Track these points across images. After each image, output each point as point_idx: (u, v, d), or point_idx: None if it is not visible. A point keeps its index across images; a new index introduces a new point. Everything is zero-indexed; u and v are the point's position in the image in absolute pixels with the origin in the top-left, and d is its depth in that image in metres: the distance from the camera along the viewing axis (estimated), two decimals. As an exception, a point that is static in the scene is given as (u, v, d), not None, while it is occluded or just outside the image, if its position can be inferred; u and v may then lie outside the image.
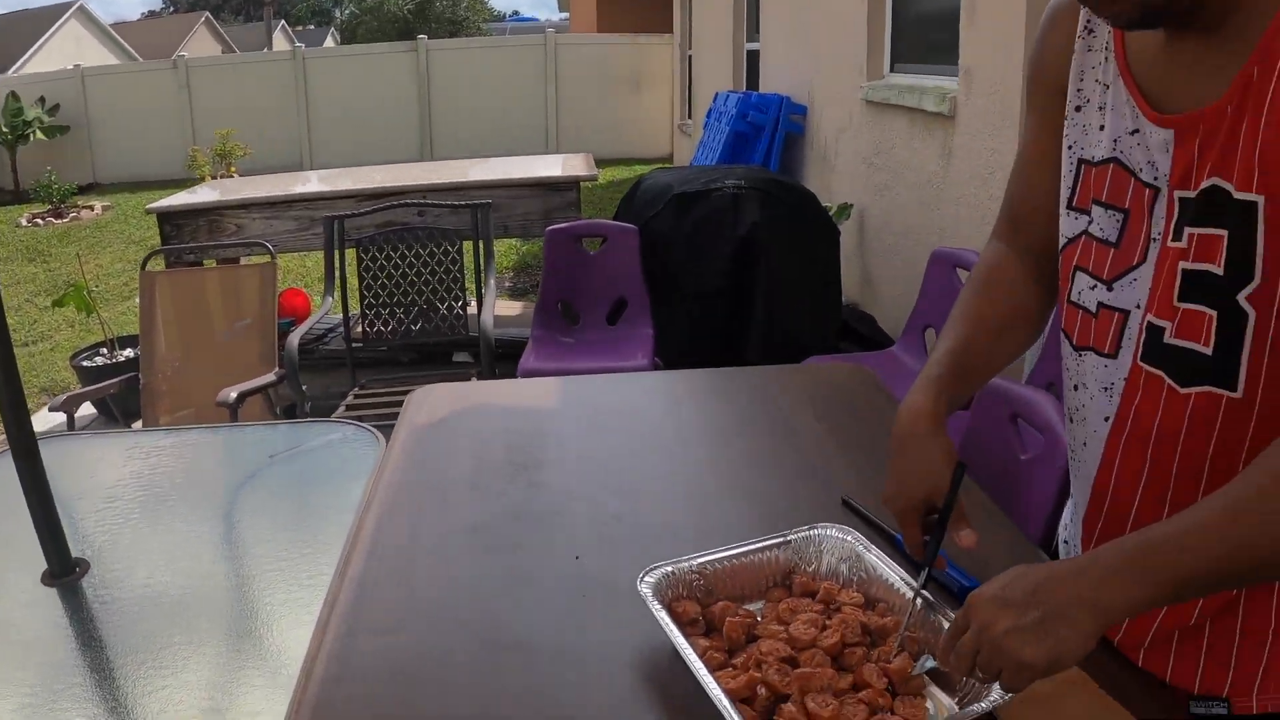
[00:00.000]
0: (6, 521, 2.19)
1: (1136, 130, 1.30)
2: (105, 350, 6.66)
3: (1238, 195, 1.15)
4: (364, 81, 18.81)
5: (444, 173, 5.86)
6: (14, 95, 18.88)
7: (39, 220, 15.56)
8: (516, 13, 60.01)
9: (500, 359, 4.75)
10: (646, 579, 1.47)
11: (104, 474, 2.60)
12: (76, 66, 20.24)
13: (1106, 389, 1.38)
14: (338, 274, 4.75)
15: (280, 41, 42.02)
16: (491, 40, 22.27)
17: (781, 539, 1.61)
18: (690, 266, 4.86)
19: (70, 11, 34.42)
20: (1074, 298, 1.42)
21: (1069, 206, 1.44)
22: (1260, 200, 1.12)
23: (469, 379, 4.65)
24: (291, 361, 4.21)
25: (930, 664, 1.40)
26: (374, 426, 2.62)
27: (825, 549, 1.62)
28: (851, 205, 6.73)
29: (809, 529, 1.63)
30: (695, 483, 2.03)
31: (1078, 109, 1.42)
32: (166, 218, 5.93)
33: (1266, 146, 1.11)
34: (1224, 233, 1.17)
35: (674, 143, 18.46)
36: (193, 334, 4.75)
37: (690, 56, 16.16)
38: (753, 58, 11.28)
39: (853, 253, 6.75)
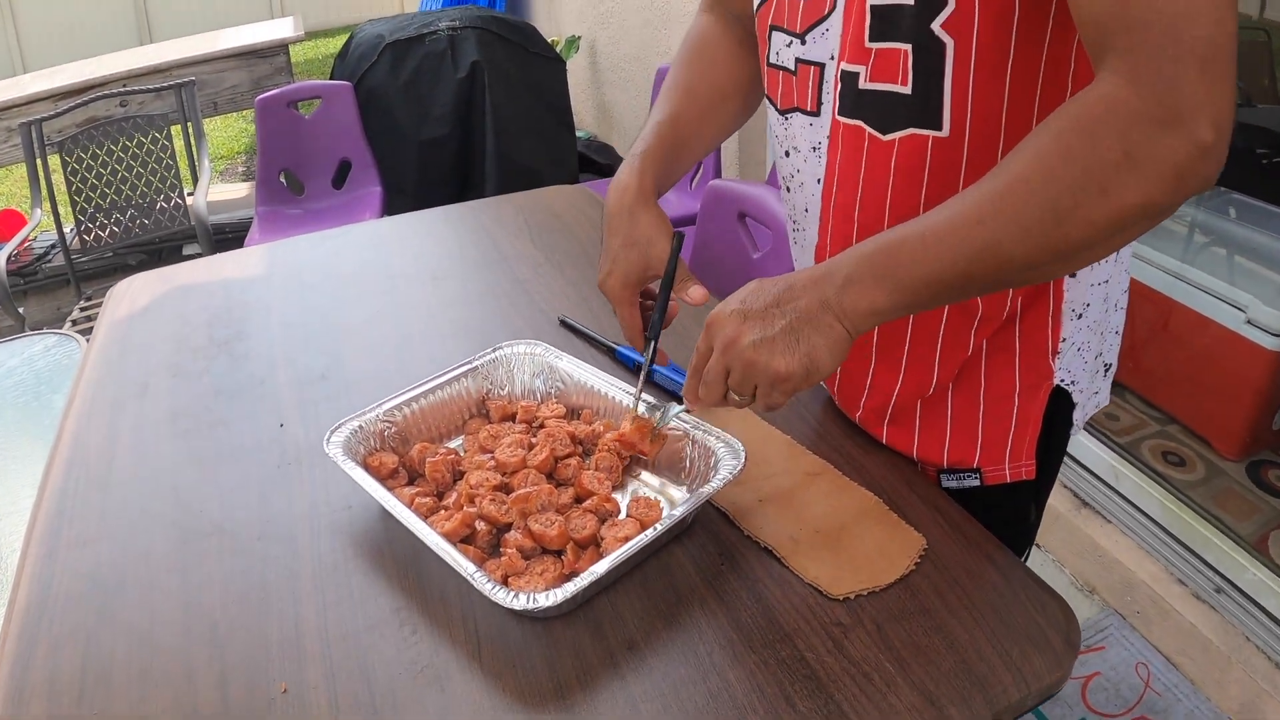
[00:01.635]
0: None
1: None
2: None
3: None
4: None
5: (142, 56, 5.49)
6: None
7: None
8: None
9: (230, 243, 4.54)
10: (334, 439, 1.39)
11: None
12: None
13: (815, 148, 1.33)
14: (43, 184, 4.43)
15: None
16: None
17: (467, 366, 1.55)
18: (413, 115, 4.65)
19: None
20: (773, 59, 1.37)
21: None
22: None
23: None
24: (1, 284, 3.92)
25: (676, 409, 1.35)
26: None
27: (515, 368, 1.56)
28: (579, 37, 6.58)
29: (493, 350, 1.57)
30: (404, 326, 1.93)
31: None
32: None
33: None
34: None
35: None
36: None
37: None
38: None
39: (587, 85, 6.63)
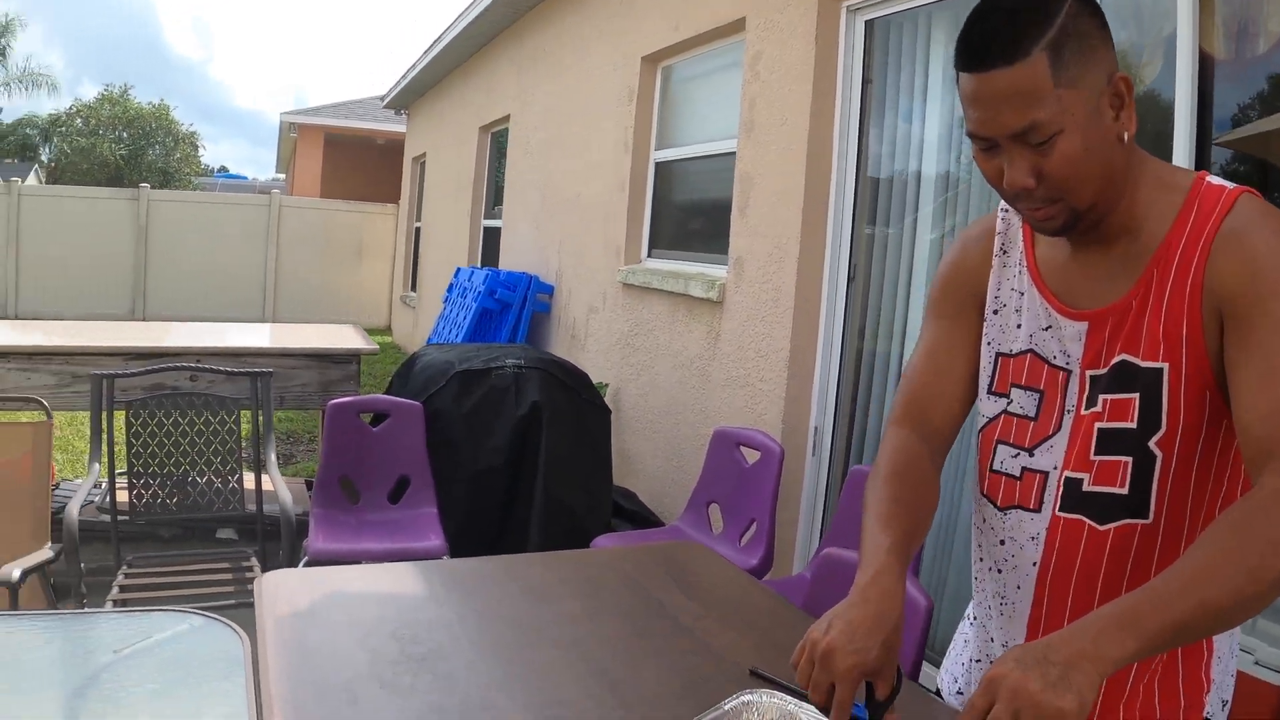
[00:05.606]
0: None
1: (1049, 326, 1.65)
2: None
3: (1144, 364, 1.53)
4: (80, 226, 17.81)
5: (216, 336, 5.66)
6: None
7: None
8: (225, 168, 59.03)
9: (268, 537, 4.58)
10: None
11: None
12: None
13: (1034, 539, 1.66)
14: (105, 439, 4.50)
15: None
16: (215, 195, 21.81)
17: (717, 712, 1.63)
18: (470, 444, 4.83)
19: None
20: (996, 466, 1.72)
21: (989, 391, 1.74)
22: (1165, 366, 1.52)
23: (246, 559, 4.46)
24: (71, 536, 3.90)
25: None
26: (200, 611, 2.46)
27: (759, 714, 1.65)
28: (606, 385, 6.85)
29: (737, 697, 1.65)
30: (605, 666, 2.00)
31: (995, 312, 1.74)
32: None
33: (1166, 326, 1.51)
34: (1135, 395, 1.54)
35: (393, 314, 18.40)
36: None
37: (419, 229, 16.23)
38: (490, 234, 11.44)
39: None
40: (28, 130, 52.23)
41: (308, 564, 4.09)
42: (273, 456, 4.63)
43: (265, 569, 4.28)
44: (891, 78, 4.61)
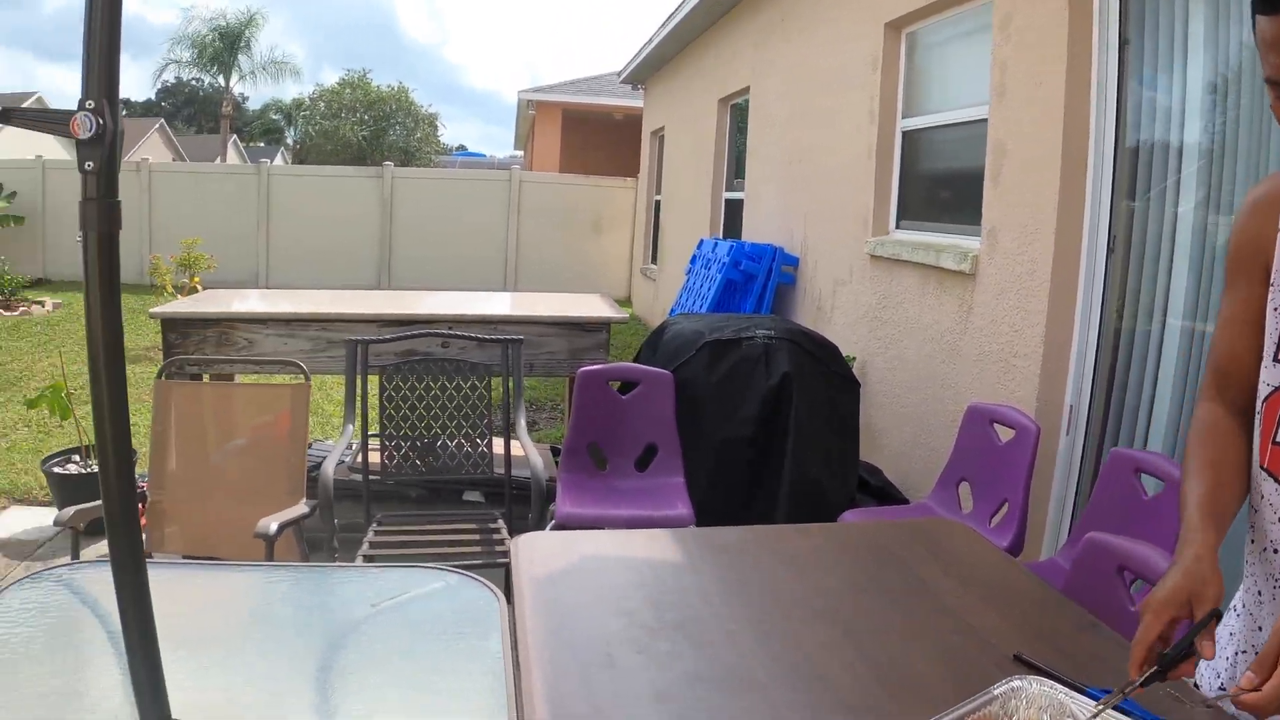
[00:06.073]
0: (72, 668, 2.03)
1: None
2: (78, 458, 6.45)
3: None
4: (326, 204, 18.74)
5: (466, 304, 5.76)
6: (-34, 180, 18.61)
7: None
8: (463, 147, 60.61)
9: (515, 500, 4.64)
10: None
11: (166, 613, 2.35)
12: (38, 157, 19.97)
13: None
14: (358, 401, 4.63)
15: (232, 155, 42.19)
16: (457, 172, 22.35)
17: (986, 697, 1.58)
18: (718, 414, 4.81)
19: (28, 101, 34.70)
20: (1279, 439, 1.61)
21: (1274, 360, 1.62)
22: None
23: (493, 521, 4.52)
24: (326, 493, 4.05)
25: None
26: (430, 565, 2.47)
27: (1027, 701, 1.59)
28: (854, 357, 6.74)
29: (1006, 683, 1.60)
30: (866, 643, 1.95)
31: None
32: (171, 325, 5.69)
33: None
34: None
35: (632, 286, 18.57)
36: (209, 454, 4.55)
37: (658, 202, 16.33)
38: (731, 206, 11.42)
39: (853, 403, 6.78)
40: (273, 115, 54.88)
41: (554, 528, 4.13)
42: (522, 422, 4.68)
43: (512, 532, 4.35)
44: (1150, 38, 4.38)
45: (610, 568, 2.31)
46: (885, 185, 6.86)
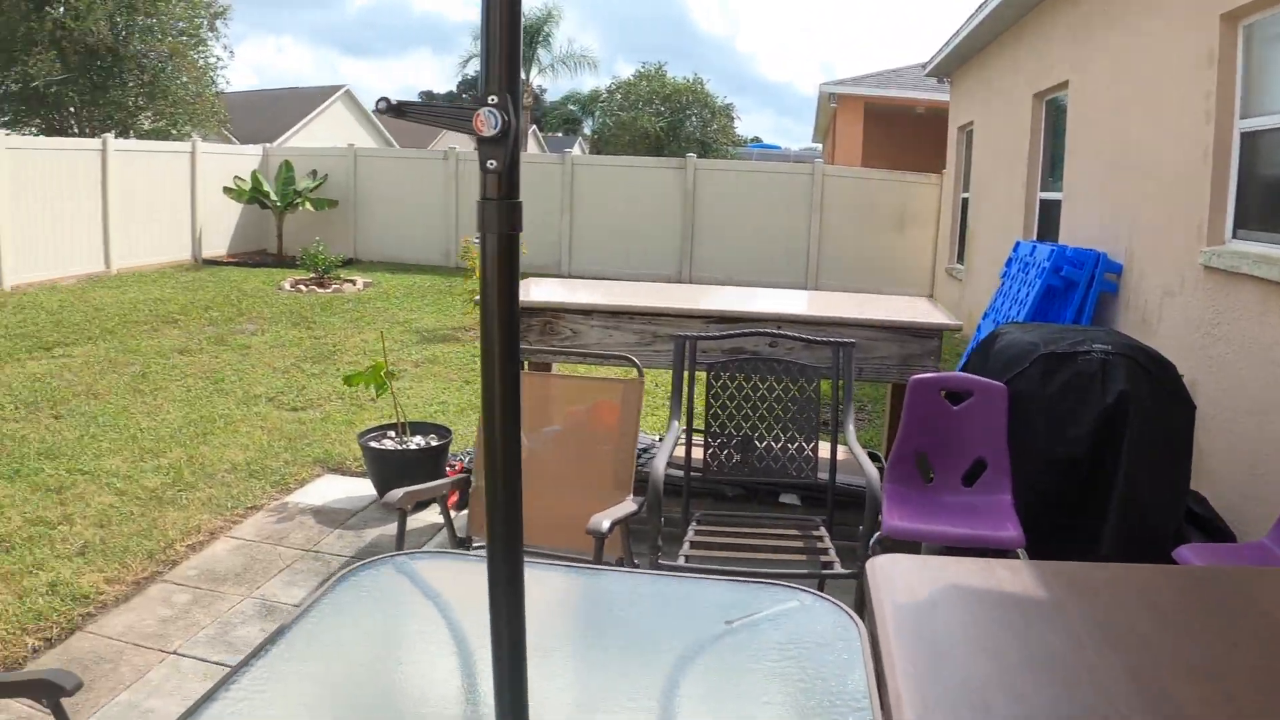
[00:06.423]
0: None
1: None
2: (393, 434, 6.69)
3: None
4: (628, 194, 19.11)
5: (793, 303, 5.72)
6: (288, 165, 20.00)
7: (302, 286, 16.35)
8: (758, 139, 60.77)
9: (836, 507, 4.56)
10: None
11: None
12: (350, 145, 21.35)
13: None
14: (685, 397, 4.63)
15: (531, 145, 43.47)
16: (758, 164, 22.34)
17: None
18: (1050, 431, 4.61)
19: (337, 95, 36.89)
20: None
21: None
22: None
23: (814, 528, 4.45)
24: (656, 491, 4.06)
25: None
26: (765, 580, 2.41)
27: None
28: (1181, 376, 6.39)
29: None
30: (1248, 714, 1.80)
31: None
32: (494, 312, 5.75)
33: None
34: None
35: (935, 285, 18.20)
36: (537, 444, 4.62)
37: (965, 199, 15.94)
38: (1046, 206, 11.03)
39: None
40: (570, 107, 56.43)
41: (878, 540, 4.05)
42: (851, 428, 4.61)
43: (833, 539, 4.28)
44: None
45: (974, 599, 2.22)
46: (1221, 190, 6.45)
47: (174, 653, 4.55)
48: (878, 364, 5.04)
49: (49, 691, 2.44)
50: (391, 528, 5.99)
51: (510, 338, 1.45)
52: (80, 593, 5.15)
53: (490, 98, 1.37)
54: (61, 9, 23.77)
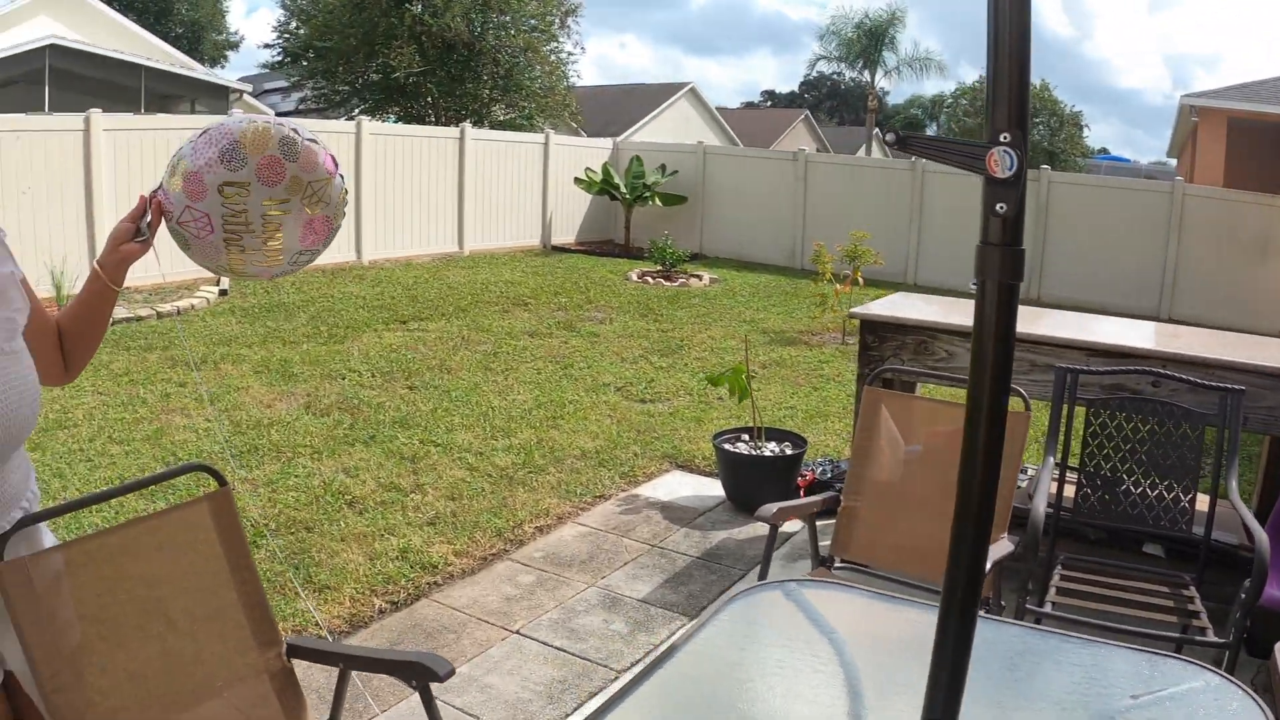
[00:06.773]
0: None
1: None
2: (747, 438, 6.77)
3: None
4: (975, 205, 18.57)
5: (1177, 341, 5.46)
6: (638, 159, 20.57)
7: (649, 278, 16.85)
8: (1105, 150, 58.55)
9: (1208, 565, 4.32)
10: None
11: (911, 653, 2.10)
12: (700, 143, 21.89)
13: None
14: (1062, 432, 4.52)
15: (875, 149, 43.14)
16: (1112, 180, 21.18)
17: None
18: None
19: (682, 92, 37.74)
20: None
21: None
22: None
23: (1185, 585, 4.21)
24: (1035, 532, 3.95)
25: None
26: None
27: None
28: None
29: None
30: None
31: None
32: (869, 326, 5.83)
33: None
34: None
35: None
36: (908, 468, 4.49)
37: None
38: None
39: None
40: (914, 110, 55.98)
41: (1258, 610, 3.82)
42: (1234, 482, 4.38)
43: (1203, 600, 4.08)
44: None
45: None
46: None
47: (517, 632, 4.77)
48: (1264, 414, 4.75)
49: (421, 674, 2.61)
50: (739, 531, 6.10)
51: (1000, 391, 1.45)
52: (429, 561, 5.47)
53: (1002, 135, 1.35)
54: (420, 6, 25.41)
